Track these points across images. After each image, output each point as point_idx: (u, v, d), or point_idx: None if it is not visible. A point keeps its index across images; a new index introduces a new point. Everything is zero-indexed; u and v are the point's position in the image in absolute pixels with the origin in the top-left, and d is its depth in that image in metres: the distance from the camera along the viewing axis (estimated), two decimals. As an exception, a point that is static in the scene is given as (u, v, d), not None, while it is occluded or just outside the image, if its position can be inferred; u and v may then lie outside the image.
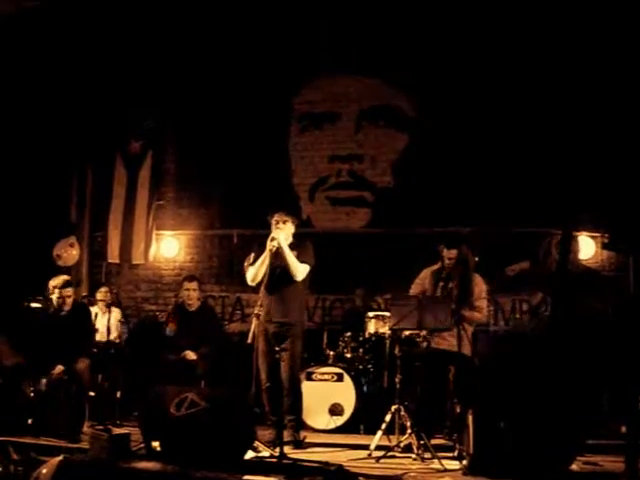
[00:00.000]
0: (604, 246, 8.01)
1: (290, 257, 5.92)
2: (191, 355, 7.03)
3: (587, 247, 8.00)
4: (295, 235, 6.18)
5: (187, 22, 8.57)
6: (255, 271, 6.02)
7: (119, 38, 8.50)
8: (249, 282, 6.14)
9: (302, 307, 6.33)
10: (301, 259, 6.00)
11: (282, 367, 6.01)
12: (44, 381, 6.34)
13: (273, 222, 6.06)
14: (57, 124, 8.83)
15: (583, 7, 7.72)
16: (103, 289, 8.27)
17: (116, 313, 7.81)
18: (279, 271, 5.98)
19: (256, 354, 5.84)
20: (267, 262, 5.82)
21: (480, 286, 6.23)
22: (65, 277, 6.94)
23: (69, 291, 6.75)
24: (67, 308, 6.71)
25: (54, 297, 6.70)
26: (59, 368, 6.37)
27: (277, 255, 5.90)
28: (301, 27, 8.56)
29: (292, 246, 6.01)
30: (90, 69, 8.65)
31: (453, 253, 6.13)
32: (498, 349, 7.47)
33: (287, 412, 6.03)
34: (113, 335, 7.60)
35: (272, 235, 5.87)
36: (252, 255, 6.16)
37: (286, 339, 6.01)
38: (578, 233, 7.66)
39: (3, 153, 8.48)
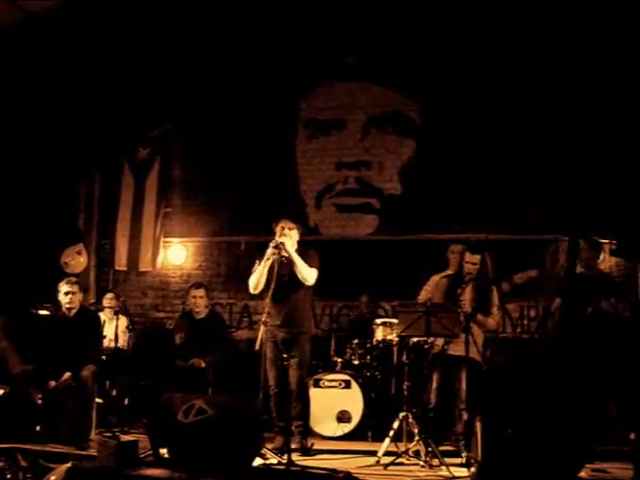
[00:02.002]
0: (612, 252, 7.99)
1: (300, 262, 5.94)
2: (199, 362, 7.03)
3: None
4: (300, 242, 6.19)
5: (194, 29, 8.57)
6: (256, 279, 6.04)
7: (126, 45, 8.51)
8: (251, 290, 6.18)
9: (309, 314, 6.35)
10: (308, 265, 6.01)
11: (290, 374, 6.02)
12: (53, 383, 6.34)
13: (279, 229, 6.07)
14: (64, 132, 8.85)
15: (590, 11, 7.71)
16: (109, 295, 8.29)
17: (123, 320, 7.82)
18: (286, 279, 6.00)
19: (264, 361, 5.85)
20: (266, 271, 5.86)
21: (494, 292, 6.23)
22: (72, 277, 7.07)
23: (75, 287, 6.75)
24: (74, 306, 6.71)
25: (61, 295, 6.71)
26: (67, 375, 6.38)
27: (284, 263, 5.91)
28: (307, 34, 8.57)
29: (297, 253, 6.02)
30: (98, 76, 8.66)
31: (477, 258, 6.11)
32: (507, 355, 7.45)
33: (295, 418, 6.03)
34: (121, 342, 7.60)
35: (277, 241, 5.88)
36: (257, 263, 6.20)
37: (294, 346, 6.02)
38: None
39: (10, 160, 8.51)
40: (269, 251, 5.84)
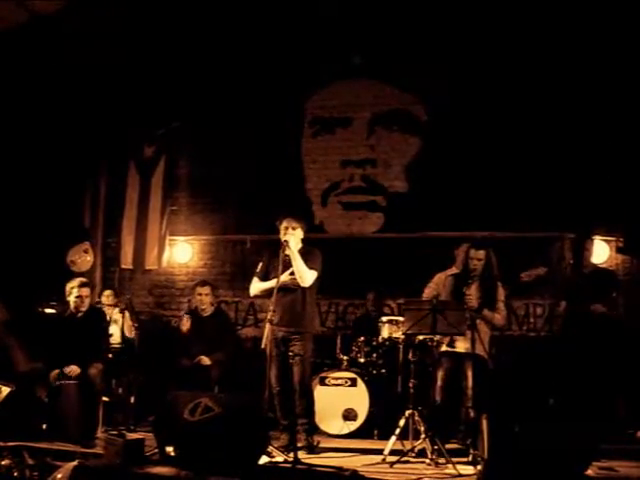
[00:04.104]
0: (618, 250, 7.98)
1: (300, 263, 5.92)
2: (205, 360, 7.03)
3: (601, 251, 7.95)
4: (304, 240, 6.18)
5: (200, 28, 8.59)
6: (259, 291, 6.13)
7: (133, 43, 8.53)
8: (251, 294, 6.22)
9: (312, 313, 6.29)
10: (309, 266, 6.00)
11: (292, 372, 6.00)
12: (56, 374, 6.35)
13: (282, 228, 6.07)
14: (70, 130, 8.87)
15: (598, 14, 7.70)
16: (107, 292, 8.29)
17: (129, 318, 7.83)
18: (289, 278, 6.00)
19: (269, 359, 5.85)
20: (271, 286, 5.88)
21: (500, 289, 6.23)
22: (82, 278, 7.00)
23: (86, 291, 6.75)
24: (84, 309, 6.71)
25: (72, 297, 6.71)
26: (75, 367, 6.38)
27: (286, 262, 5.91)
28: (313, 33, 8.57)
29: (300, 252, 6.02)
30: (103, 76, 8.69)
31: (481, 254, 6.11)
32: (513, 353, 7.44)
33: (300, 417, 6.03)
34: (127, 340, 7.61)
35: (284, 239, 5.89)
36: (260, 265, 6.21)
37: (295, 344, 6.01)
38: (593, 236, 7.64)
39: (17, 159, 8.53)
40: (285, 277, 5.88)
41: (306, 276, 5.97)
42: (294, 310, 6.05)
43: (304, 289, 6.04)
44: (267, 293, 6.05)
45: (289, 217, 6.11)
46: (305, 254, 6.04)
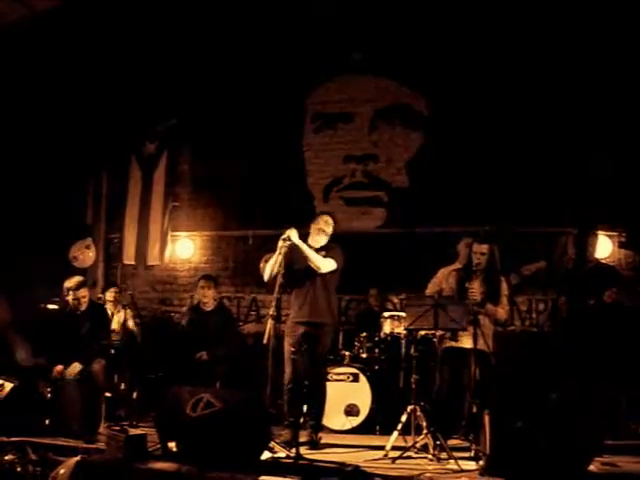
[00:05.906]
0: (621, 245, 7.97)
1: (308, 251, 5.94)
2: (207, 356, 7.03)
3: (604, 246, 7.93)
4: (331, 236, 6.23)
5: (201, 25, 8.59)
6: (270, 269, 6.03)
7: (134, 40, 8.53)
8: (265, 278, 6.18)
9: (332, 308, 6.25)
10: (328, 257, 6.04)
11: (307, 369, 5.99)
12: (59, 369, 6.36)
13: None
14: (73, 126, 8.88)
15: (598, 14, 7.70)
16: (112, 289, 8.27)
17: (131, 314, 7.83)
18: (304, 274, 6.01)
19: (272, 355, 5.83)
20: (279, 261, 5.81)
21: (503, 283, 6.21)
22: (78, 278, 6.85)
23: (83, 292, 6.71)
24: (83, 308, 6.70)
25: (69, 298, 6.69)
26: (76, 366, 6.38)
27: (302, 257, 5.92)
28: (314, 28, 8.55)
29: (322, 248, 6.07)
30: (106, 71, 8.68)
31: (485, 248, 6.08)
32: (516, 349, 7.44)
33: (309, 414, 6.02)
34: (129, 336, 7.61)
35: (285, 235, 5.87)
36: (262, 261, 6.24)
37: (313, 340, 6.00)
38: (596, 231, 7.62)
39: (20, 156, 8.53)
40: (279, 243, 5.86)
41: (319, 263, 5.97)
42: (312, 305, 6.05)
43: (320, 284, 6.05)
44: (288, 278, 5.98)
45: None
46: (325, 249, 6.09)
